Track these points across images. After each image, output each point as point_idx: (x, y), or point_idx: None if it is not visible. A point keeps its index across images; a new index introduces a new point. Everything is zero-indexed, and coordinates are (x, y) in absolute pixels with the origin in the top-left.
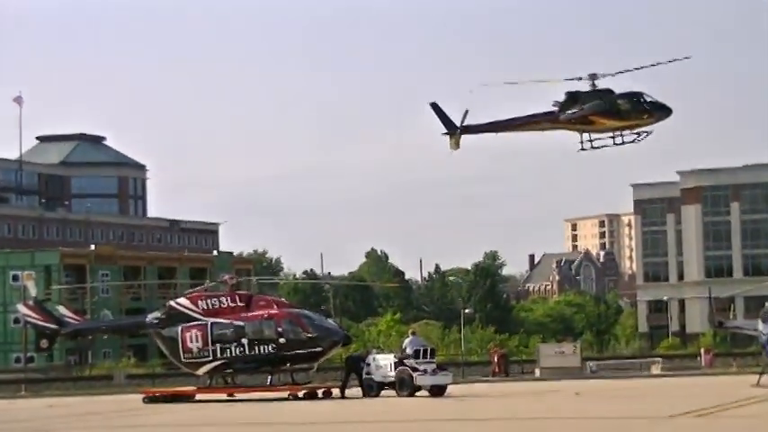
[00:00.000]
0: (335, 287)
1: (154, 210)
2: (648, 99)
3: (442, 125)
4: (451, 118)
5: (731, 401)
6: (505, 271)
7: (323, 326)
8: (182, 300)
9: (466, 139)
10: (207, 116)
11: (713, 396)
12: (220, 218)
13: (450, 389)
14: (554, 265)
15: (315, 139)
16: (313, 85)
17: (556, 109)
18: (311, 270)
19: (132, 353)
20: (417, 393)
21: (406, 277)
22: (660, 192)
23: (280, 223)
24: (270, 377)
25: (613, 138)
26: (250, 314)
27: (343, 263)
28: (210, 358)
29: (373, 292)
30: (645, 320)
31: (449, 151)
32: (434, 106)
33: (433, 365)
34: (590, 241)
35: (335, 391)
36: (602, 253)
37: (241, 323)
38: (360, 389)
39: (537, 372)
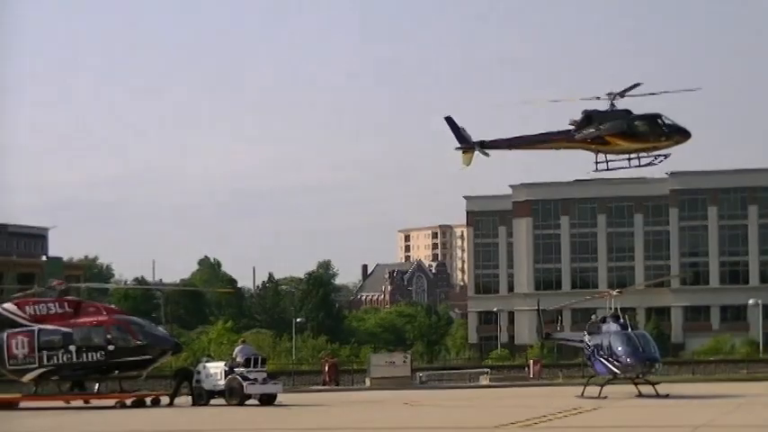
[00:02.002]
0: (167, 294)
1: None
2: (667, 121)
3: (455, 139)
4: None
5: (557, 412)
6: (338, 280)
7: (153, 333)
8: (8, 305)
9: (307, 146)
10: (35, 115)
11: (540, 407)
12: (50, 222)
13: (279, 398)
14: (386, 276)
15: (149, 144)
16: (146, 88)
17: (572, 128)
18: (142, 277)
19: None
20: (247, 402)
21: (239, 285)
22: (492, 204)
23: (111, 229)
24: (97, 385)
25: (629, 159)
26: (79, 320)
27: (176, 270)
28: (36, 365)
29: (205, 300)
30: (475, 331)
31: (461, 166)
32: (449, 120)
33: (264, 374)
34: (422, 252)
35: (164, 399)
36: (434, 264)
37: (69, 330)
38: (190, 398)
39: (367, 381)
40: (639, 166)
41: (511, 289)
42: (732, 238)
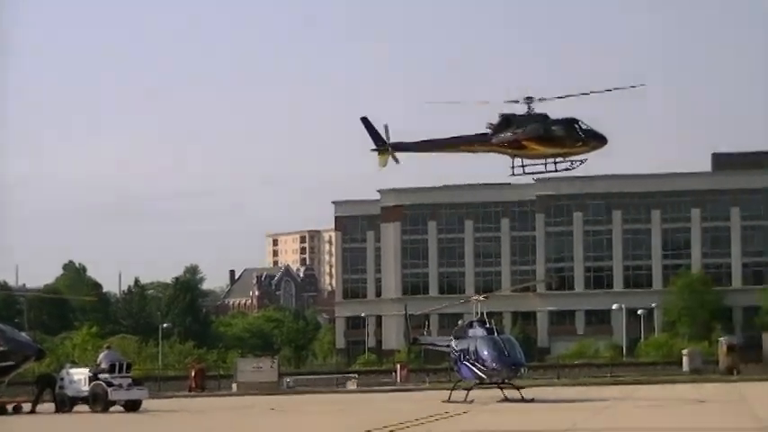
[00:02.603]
0: (30, 299)
1: None
2: (584, 127)
3: (371, 140)
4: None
5: (423, 417)
6: (206, 285)
7: (15, 339)
8: None
9: (175, 151)
10: None
11: (406, 411)
12: None
13: (145, 404)
14: (254, 280)
15: (14, 147)
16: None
17: (489, 131)
18: (4, 282)
19: None
20: (111, 408)
21: (105, 290)
22: (361, 209)
23: None
24: None
25: (546, 164)
26: None
27: (39, 275)
28: None
29: (69, 305)
30: (342, 336)
31: (378, 168)
32: (365, 121)
33: (129, 380)
34: (291, 257)
35: (26, 406)
36: (302, 269)
37: None
38: (53, 405)
39: (234, 387)
40: (556, 171)
41: (379, 294)
42: (597, 243)
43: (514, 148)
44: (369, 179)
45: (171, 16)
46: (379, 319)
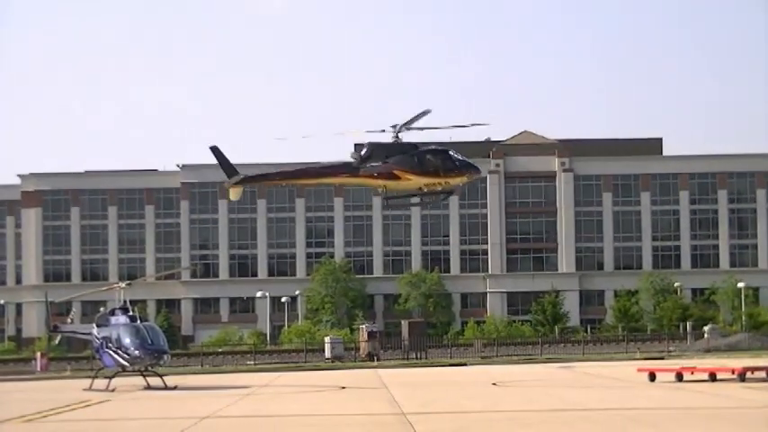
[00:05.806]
0: None
1: None
2: (456, 157)
3: (223, 171)
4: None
5: (62, 406)
6: None
7: None
8: None
9: None
10: None
11: (46, 401)
12: None
13: None
14: None
15: None
16: None
17: (354, 161)
18: None
19: None
20: None
21: None
22: (1, 194)
23: None
24: None
25: (420, 195)
26: None
27: None
28: None
29: None
30: None
31: (230, 199)
32: (215, 150)
33: None
34: None
35: None
36: None
37: None
38: None
39: None
40: (423, 203)
41: (19, 281)
42: (242, 231)
43: (386, 178)
44: (7, 162)
45: None
46: (19, 306)
